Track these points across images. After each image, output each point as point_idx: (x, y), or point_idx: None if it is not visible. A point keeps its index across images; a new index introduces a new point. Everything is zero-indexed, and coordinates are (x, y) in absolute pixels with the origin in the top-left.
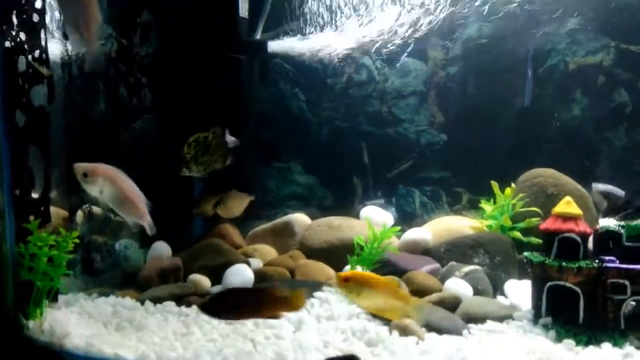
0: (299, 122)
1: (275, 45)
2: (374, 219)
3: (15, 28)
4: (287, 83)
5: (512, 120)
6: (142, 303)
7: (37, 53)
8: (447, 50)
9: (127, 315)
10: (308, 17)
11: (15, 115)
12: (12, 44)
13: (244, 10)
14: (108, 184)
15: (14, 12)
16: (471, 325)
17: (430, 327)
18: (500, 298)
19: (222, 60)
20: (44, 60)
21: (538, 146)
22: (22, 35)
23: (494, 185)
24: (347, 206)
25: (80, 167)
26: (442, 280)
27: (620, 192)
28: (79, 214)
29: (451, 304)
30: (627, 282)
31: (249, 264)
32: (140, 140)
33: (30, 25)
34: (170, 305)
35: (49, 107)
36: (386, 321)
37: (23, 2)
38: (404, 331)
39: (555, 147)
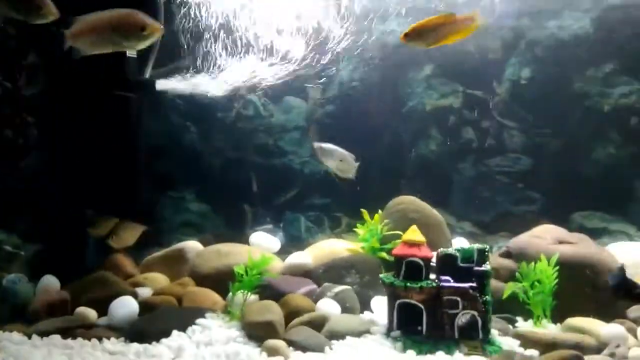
0: (191, 153)
1: (165, 83)
2: (262, 244)
3: None
4: (179, 117)
5: (382, 152)
6: (30, 337)
7: None
8: (324, 91)
9: (13, 350)
10: (198, 56)
11: None
12: None
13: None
14: None
15: None
16: (333, 342)
17: (296, 346)
18: (367, 313)
19: (110, 98)
20: None
21: (402, 175)
22: None
23: (364, 212)
24: (238, 232)
25: None
26: (317, 300)
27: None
28: None
29: (319, 323)
30: (458, 299)
31: (135, 294)
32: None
33: None
34: (56, 338)
35: None
36: (258, 343)
37: None
38: (272, 352)
39: (416, 177)
